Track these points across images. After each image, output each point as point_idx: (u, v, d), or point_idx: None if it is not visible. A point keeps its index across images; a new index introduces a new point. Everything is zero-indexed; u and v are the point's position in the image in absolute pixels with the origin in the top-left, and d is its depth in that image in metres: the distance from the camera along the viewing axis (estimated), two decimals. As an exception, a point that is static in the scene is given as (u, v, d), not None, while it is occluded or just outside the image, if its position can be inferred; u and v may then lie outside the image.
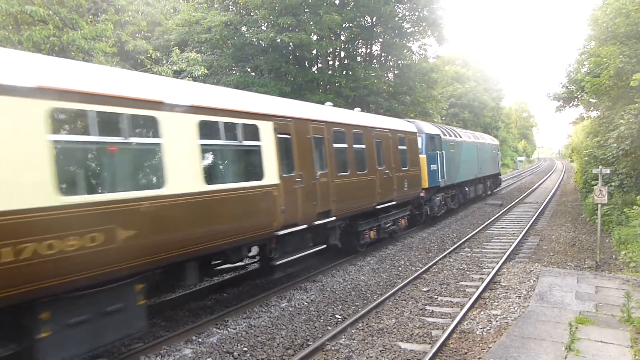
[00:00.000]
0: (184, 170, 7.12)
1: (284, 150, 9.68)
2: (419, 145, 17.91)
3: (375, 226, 14.15)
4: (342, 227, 12.48)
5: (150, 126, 6.76)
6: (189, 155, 7.25)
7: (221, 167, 8.39)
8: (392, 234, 15.84)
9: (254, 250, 9.74)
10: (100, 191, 6.08)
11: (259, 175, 8.85)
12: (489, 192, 31.37)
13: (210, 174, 7.74)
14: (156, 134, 6.78)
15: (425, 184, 18.14)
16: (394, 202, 14.93)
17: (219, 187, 7.80)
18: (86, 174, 6.13)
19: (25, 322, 5.50)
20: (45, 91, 5.40)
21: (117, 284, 6.22)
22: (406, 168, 15.94)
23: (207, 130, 7.66)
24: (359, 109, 16.57)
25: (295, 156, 9.99)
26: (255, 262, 11.02)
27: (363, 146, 13.14)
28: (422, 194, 17.94)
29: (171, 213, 6.85)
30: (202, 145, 7.47)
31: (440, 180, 19.80)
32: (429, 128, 19.93)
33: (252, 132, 8.82)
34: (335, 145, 11.71)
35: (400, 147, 15.60)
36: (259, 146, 8.92)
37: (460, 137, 24.32)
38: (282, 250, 9.82)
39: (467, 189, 24.98)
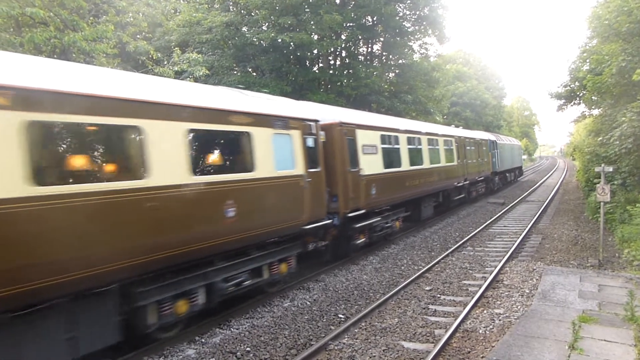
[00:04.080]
0: (425, 157, 18.39)
1: (457, 149, 22.73)
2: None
3: (475, 190, 26.94)
4: (467, 188, 24.67)
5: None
6: (441, 151, 20.44)
7: (442, 156, 20.28)
8: (478, 196, 27.68)
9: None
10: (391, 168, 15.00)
11: (453, 160, 21.88)
12: (517, 179, 44.72)
13: (446, 159, 20.53)
14: (398, 142, 16.14)
15: (490, 169, 30.33)
16: (482, 178, 28.19)
17: (446, 164, 20.57)
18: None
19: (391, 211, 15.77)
20: (343, 124, 12.35)
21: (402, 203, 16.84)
22: (486, 160, 29.06)
23: (437, 143, 19.99)
24: (454, 125, 31.27)
25: (460, 152, 23.30)
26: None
27: (474, 147, 26.44)
28: (489, 175, 30.23)
29: (430, 173, 18.60)
30: (446, 148, 20.96)
31: (497, 168, 32.30)
32: (491, 136, 32.98)
33: (451, 142, 21.82)
34: (466, 147, 24.69)
35: (482, 148, 28.63)
36: (452, 149, 21.95)
37: (503, 140, 37.39)
38: (453, 194, 22.47)
39: (507, 174, 38.37)
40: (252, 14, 25.53)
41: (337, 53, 29.53)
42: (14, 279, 4.99)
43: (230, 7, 26.42)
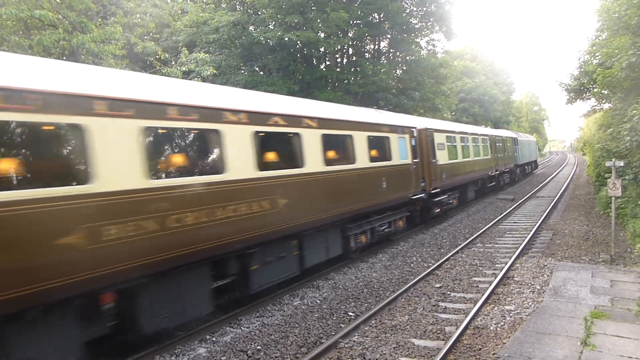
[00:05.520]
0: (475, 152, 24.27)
1: (490, 145, 27.22)
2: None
3: (502, 179, 31.13)
4: (497, 177, 29.10)
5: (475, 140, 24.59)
6: (484, 148, 26.41)
7: (481, 150, 25.31)
8: (503, 185, 31.71)
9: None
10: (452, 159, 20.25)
11: (488, 154, 26.59)
12: (532, 171, 48.93)
13: (483, 153, 25.74)
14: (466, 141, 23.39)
15: (513, 162, 34.58)
16: (508, 169, 32.34)
17: (483, 157, 25.50)
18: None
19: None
20: (427, 129, 17.26)
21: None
22: (510, 154, 33.36)
23: (478, 140, 24.99)
24: (484, 126, 36.98)
25: (492, 148, 27.46)
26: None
27: (501, 144, 30.50)
28: (512, 167, 34.27)
29: (474, 164, 23.87)
30: (483, 145, 25.90)
31: (518, 161, 37.08)
32: (513, 134, 37.60)
33: (486, 140, 26.65)
34: (496, 144, 28.91)
35: (507, 144, 32.81)
36: (487, 145, 26.52)
37: (522, 137, 41.84)
38: (487, 182, 26.74)
39: (525, 167, 42.69)
40: (259, 12, 25.56)
41: (344, 51, 29.48)
42: (300, 217, 9.61)
43: (237, 7, 26.47)
